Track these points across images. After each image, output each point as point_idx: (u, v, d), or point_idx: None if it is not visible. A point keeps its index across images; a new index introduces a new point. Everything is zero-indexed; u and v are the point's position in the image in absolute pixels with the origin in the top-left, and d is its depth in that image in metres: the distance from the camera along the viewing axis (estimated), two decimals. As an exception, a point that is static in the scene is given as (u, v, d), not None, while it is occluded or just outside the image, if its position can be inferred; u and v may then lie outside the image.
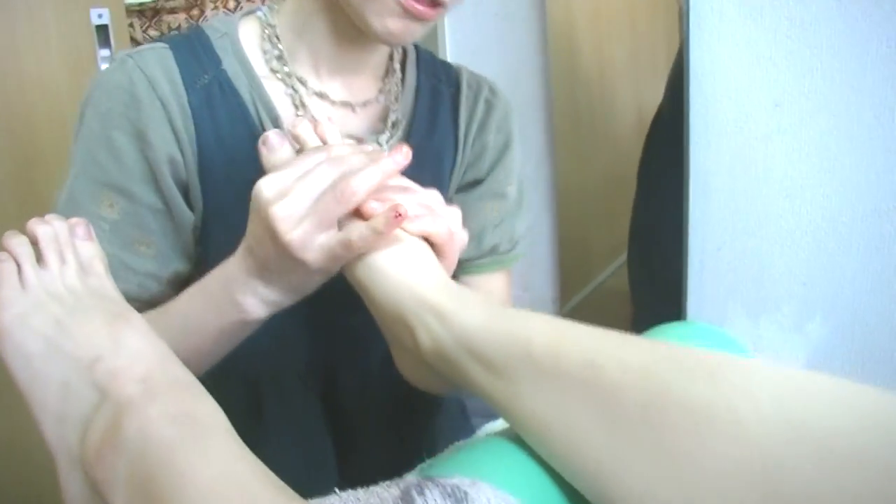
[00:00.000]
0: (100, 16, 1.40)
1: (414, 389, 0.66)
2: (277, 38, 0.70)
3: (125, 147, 0.65)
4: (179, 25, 1.53)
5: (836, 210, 1.08)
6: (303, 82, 0.70)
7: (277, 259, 0.54)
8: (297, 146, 0.58)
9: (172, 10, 1.52)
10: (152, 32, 1.51)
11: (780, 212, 1.15)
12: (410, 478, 0.39)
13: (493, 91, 0.81)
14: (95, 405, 0.44)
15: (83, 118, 0.67)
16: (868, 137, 1.03)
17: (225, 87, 0.67)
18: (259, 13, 0.72)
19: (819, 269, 1.13)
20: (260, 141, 0.56)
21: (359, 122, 0.74)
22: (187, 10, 1.53)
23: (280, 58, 0.69)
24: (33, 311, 0.49)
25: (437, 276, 0.53)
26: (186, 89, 0.65)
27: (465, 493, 0.35)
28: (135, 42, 1.51)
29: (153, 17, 1.50)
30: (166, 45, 0.68)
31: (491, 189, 0.81)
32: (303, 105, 0.70)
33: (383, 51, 0.74)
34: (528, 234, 0.84)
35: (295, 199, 0.51)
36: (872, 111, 1.01)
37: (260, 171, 0.57)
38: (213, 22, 0.72)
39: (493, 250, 0.80)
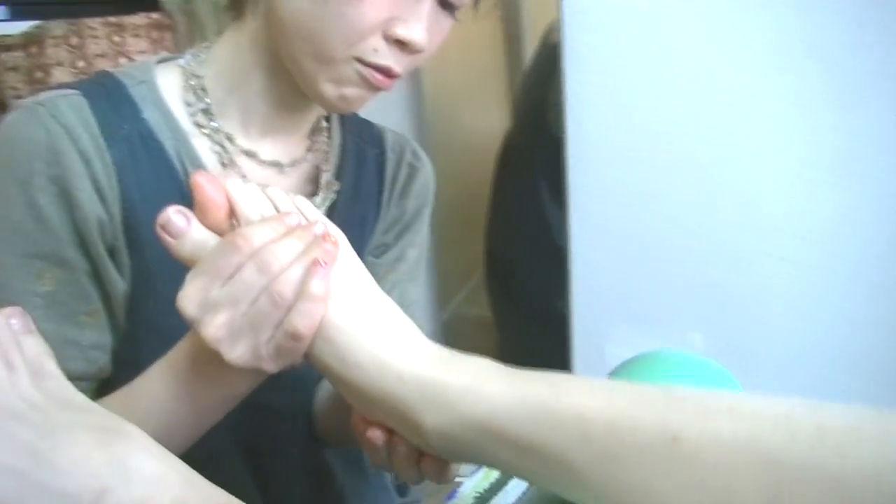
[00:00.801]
0: (-77, 55, 1.24)
1: (337, 463, 0.62)
2: (204, 90, 0.66)
3: (52, 211, 0.58)
4: (17, 65, 1.40)
5: (712, 226, 1.17)
6: (230, 139, 0.66)
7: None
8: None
9: (7, 48, 1.39)
10: (-15, 72, 1.37)
11: (659, 231, 1.23)
12: None
13: (415, 155, 0.81)
14: None
15: None
16: (737, 156, 1.12)
17: (147, 139, 0.62)
18: (181, 62, 0.67)
19: (699, 282, 1.21)
20: (158, 226, 0.47)
21: (287, 182, 0.71)
22: (25, 46, 1.40)
23: (206, 112, 0.65)
24: None
25: (419, 343, 0.46)
26: (106, 141, 0.60)
27: None
28: (-35, 84, 1.35)
29: (-15, 54, 1.35)
30: (78, 92, 0.61)
31: (394, 253, 0.79)
32: (232, 163, 0.66)
33: (317, 112, 0.72)
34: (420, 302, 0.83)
35: (225, 314, 0.45)
36: (742, 132, 1.10)
37: None
38: (125, 69, 0.67)
39: None
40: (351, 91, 0.61)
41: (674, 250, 1.22)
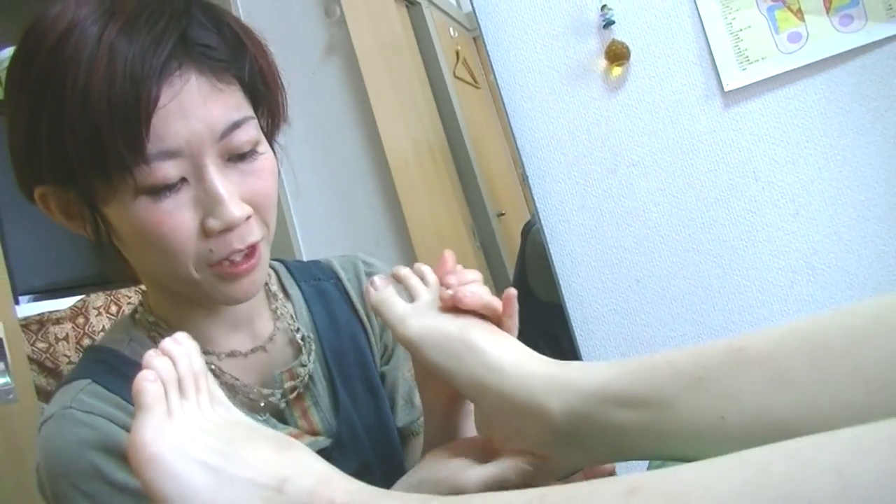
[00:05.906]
0: (-10, 332, 1.32)
1: None
2: (167, 325, 0.71)
3: (132, 480, 0.59)
4: (67, 335, 1.52)
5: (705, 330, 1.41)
6: (210, 352, 0.71)
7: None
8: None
9: (58, 321, 1.51)
10: (40, 345, 1.48)
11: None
12: None
13: (367, 263, 0.86)
14: None
15: (56, 499, 0.60)
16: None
17: None
18: (137, 315, 0.73)
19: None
20: (367, 284, 0.64)
21: (272, 358, 0.76)
22: (72, 318, 1.53)
23: None
24: (190, 444, 0.46)
25: (534, 352, 0.57)
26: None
27: None
28: (29, 358, 1.45)
29: (39, 330, 1.47)
30: (87, 379, 0.65)
31: (401, 351, 0.83)
32: (220, 371, 0.71)
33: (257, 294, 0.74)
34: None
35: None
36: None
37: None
38: (110, 336, 0.73)
39: None
40: (229, 287, 0.64)
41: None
